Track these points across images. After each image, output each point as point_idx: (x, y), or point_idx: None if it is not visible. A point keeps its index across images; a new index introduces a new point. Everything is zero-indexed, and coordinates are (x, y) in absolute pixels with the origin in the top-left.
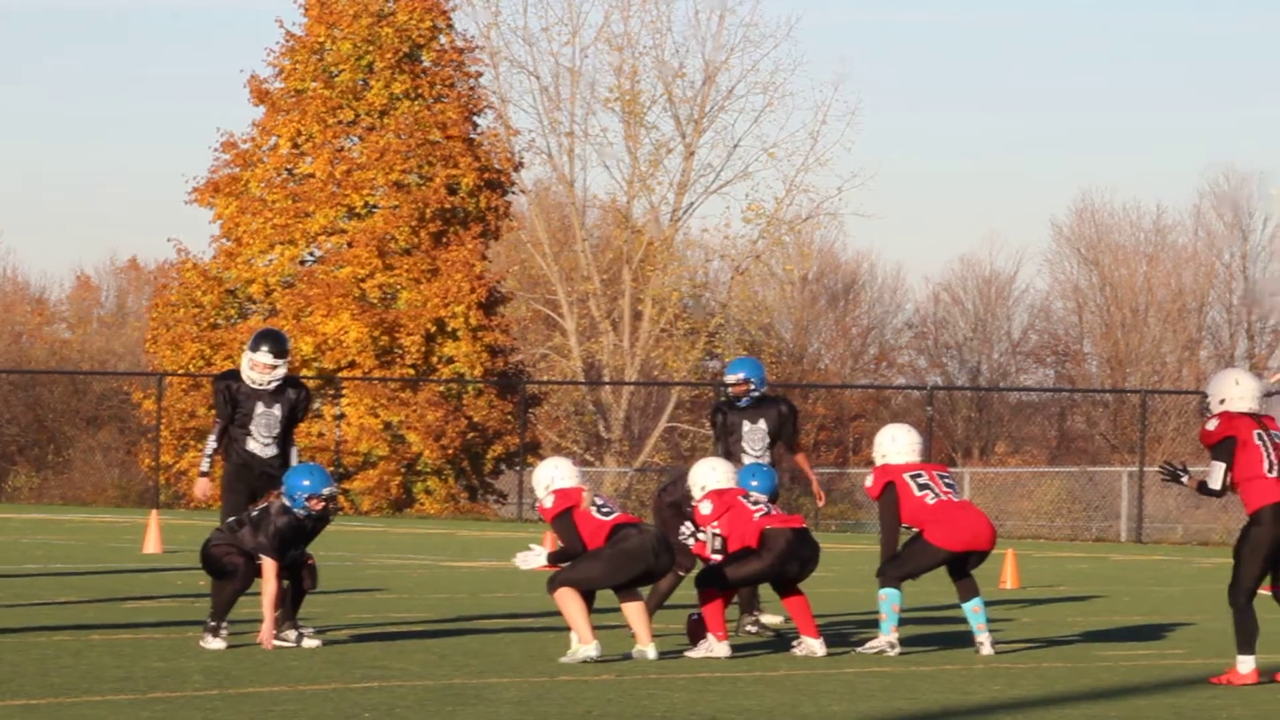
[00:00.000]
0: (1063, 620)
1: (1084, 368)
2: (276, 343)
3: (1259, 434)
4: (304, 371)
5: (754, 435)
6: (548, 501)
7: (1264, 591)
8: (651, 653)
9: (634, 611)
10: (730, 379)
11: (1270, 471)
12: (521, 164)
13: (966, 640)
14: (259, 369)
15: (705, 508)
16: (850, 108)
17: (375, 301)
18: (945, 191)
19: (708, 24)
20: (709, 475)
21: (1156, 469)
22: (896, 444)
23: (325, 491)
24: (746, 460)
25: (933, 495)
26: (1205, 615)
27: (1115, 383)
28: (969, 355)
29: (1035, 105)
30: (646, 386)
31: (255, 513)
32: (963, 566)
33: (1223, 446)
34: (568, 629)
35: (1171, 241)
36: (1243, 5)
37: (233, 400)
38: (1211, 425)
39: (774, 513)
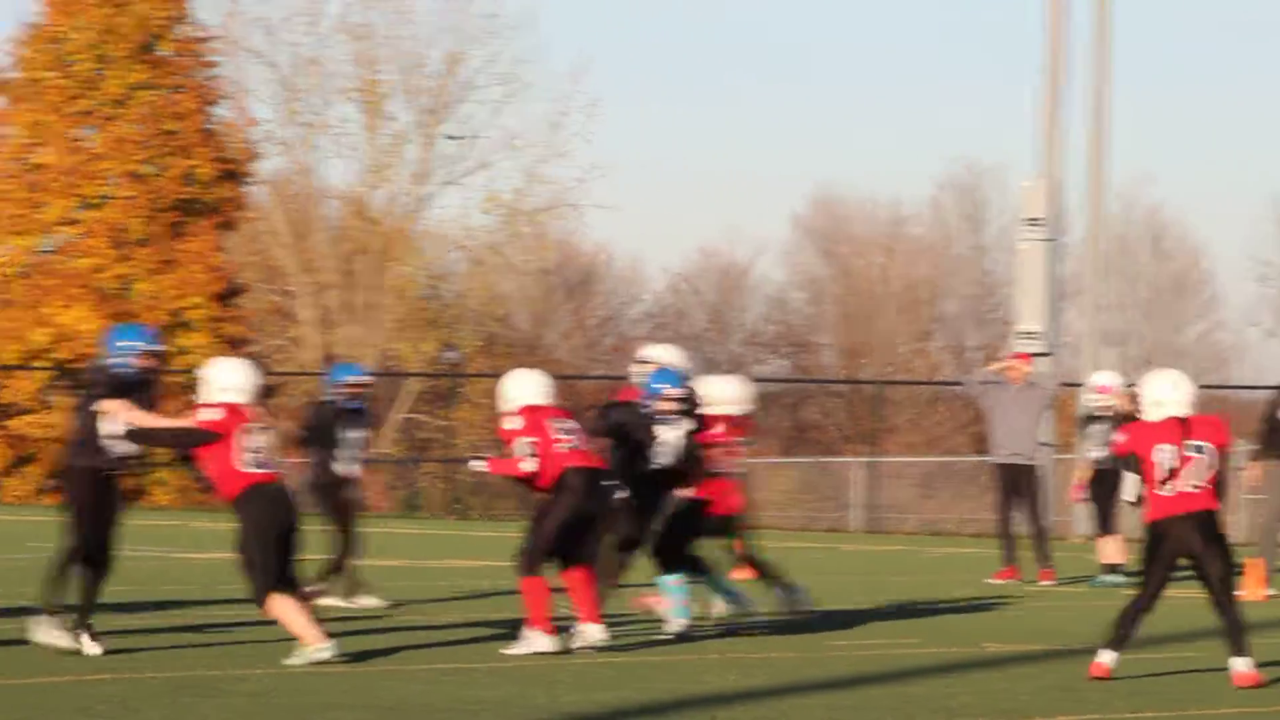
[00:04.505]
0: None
1: (819, 358)
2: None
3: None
4: (37, 363)
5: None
6: (511, 423)
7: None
8: (596, 633)
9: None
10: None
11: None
12: (259, 154)
13: (700, 630)
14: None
15: (513, 423)
16: (591, 99)
17: (112, 293)
18: (685, 183)
19: (448, 14)
20: (521, 389)
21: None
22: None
23: None
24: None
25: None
26: (938, 605)
27: (850, 373)
28: (706, 346)
29: (774, 97)
30: (384, 377)
31: None
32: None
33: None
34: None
35: (908, 233)
36: (976, 2)
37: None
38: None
39: (580, 448)
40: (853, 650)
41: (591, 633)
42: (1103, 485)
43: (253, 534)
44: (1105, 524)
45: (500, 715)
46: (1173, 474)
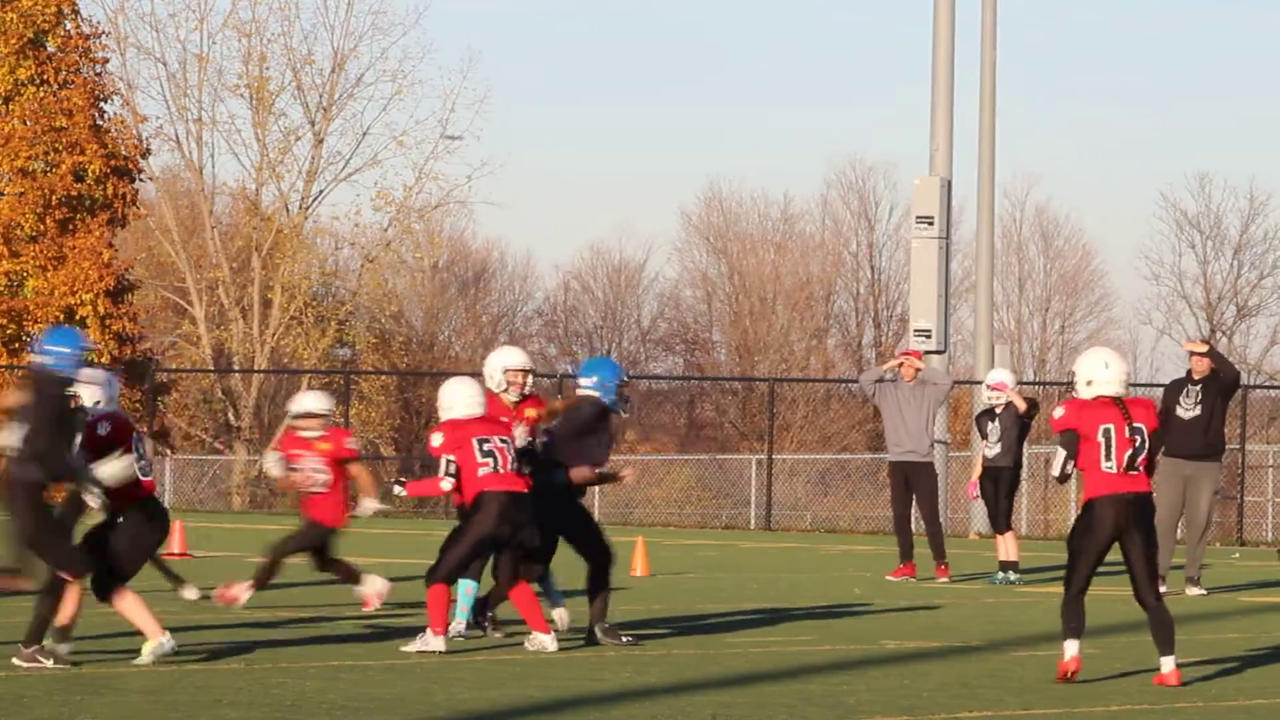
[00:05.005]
0: (692, 608)
1: (713, 356)
2: None
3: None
4: None
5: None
6: (434, 440)
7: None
8: (547, 642)
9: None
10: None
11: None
12: (149, 151)
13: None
14: None
15: (436, 439)
16: (479, 96)
17: (2, 289)
18: (575, 180)
19: (336, 11)
20: (455, 398)
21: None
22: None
23: None
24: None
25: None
26: (835, 602)
27: (744, 371)
28: (599, 343)
29: (664, 94)
30: (276, 374)
31: None
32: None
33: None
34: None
35: (799, 230)
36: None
37: None
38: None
39: (502, 471)
40: (749, 647)
41: (541, 640)
42: (997, 483)
43: (136, 539)
44: (1001, 521)
45: (397, 712)
46: (1114, 455)
